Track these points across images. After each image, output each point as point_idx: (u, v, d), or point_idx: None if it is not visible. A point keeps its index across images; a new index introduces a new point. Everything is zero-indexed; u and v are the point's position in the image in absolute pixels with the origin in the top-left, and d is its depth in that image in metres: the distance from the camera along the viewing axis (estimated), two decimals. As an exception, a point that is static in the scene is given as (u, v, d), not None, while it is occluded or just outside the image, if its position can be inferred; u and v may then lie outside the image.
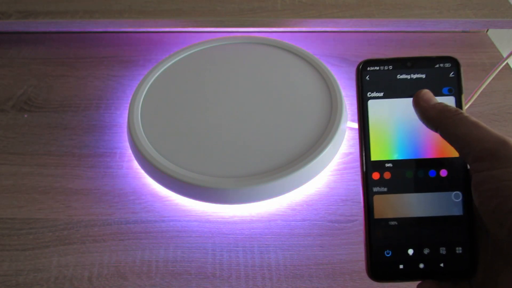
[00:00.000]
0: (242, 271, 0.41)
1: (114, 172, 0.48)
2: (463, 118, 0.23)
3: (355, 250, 0.42)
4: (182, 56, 0.56)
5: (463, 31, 0.65)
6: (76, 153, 0.50)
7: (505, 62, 0.43)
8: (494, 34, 0.65)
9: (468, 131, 0.23)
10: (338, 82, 0.51)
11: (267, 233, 0.43)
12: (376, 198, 0.25)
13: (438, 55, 0.26)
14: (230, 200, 0.44)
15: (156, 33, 0.66)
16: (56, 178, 0.48)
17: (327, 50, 0.62)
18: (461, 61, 0.26)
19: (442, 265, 0.24)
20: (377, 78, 0.26)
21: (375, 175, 0.26)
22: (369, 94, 0.26)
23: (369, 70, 0.26)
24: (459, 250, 0.24)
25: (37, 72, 0.61)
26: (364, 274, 0.40)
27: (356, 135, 0.51)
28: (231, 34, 0.63)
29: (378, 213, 0.25)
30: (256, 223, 0.44)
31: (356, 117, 0.27)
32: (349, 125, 0.51)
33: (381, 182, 0.25)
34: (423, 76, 0.26)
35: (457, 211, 0.25)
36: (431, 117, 0.24)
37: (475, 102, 0.54)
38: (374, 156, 0.26)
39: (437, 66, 0.26)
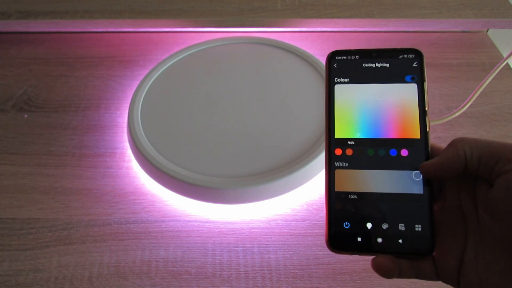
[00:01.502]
0: (242, 271, 0.41)
1: (114, 172, 0.48)
2: (467, 140, 0.24)
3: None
4: (182, 56, 0.56)
5: (463, 31, 0.65)
6: (76, 153, 0.50)
7: (505, 62, 0.43)
8: (494, 34, 0.65)
9: (483, 145, 0.23)
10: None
11: (267, 233, 0.43)
12: (338, 172, 0.27)
13: (403, 47, 0.29)
14: (230, 200, 0.44)
15: (156, 33, 0.66)
16: (56, 178, 0.48)
17: (327, 50, 0.62)
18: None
19: (400, 241, 0.25)
20: (344, 66, 0.29)
21: (338, 151, 0.27)
22: (336, 80, 0.29)
23: (337, 59, 0.29)
24: (418, 227, 0.25)
25: (37, 72, 0.61)
26: (365, 274, 0.40)
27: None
28: (231, 34, 0.63)
29: (339, 186, 0.27)
30: (256, 223, 0.44)
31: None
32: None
33: (342, 158, 0.27)
34: (387, 65, 0.28)
35: (417, 189, 0.26)
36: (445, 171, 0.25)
37: (475, 102, 0.54)
38: (338, 134, 0.28)
39: (401, 56, 0.28)
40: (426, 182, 0.26)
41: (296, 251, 0.42)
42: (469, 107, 0.50)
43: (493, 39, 0.64)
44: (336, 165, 0.27)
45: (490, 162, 0.23)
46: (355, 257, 0.41)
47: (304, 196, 0.46)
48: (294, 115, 0.49)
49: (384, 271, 0.24)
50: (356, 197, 0.26)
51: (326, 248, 0.41)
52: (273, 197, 0.45)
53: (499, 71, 0.44)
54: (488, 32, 0.65)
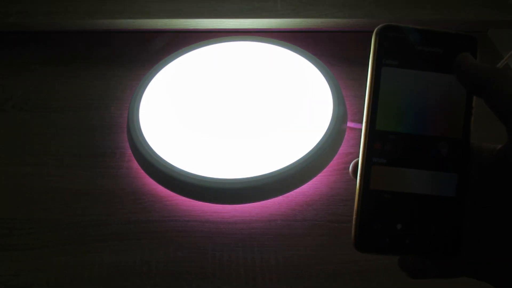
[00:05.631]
0: (242, 271, 0.41)
1: (114, 172, 0.48)
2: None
3: (355, 250, 0.42)
4: (182, 56, 0.56)
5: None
6: (76, 153, 0.50)
7: (505, 62, 0.43)
8: (494, 34, 0.65)
9: None
10: (338, 82, 0.51)
11: (267, 233, 0.43)
12: (374, 169, 0.25)
13: (460, 32, 0.26)
14: (230, 200, 0.44)
15: (156, 33, 0.66)
16: (56, 178, 0.48)
17: (327, 50, 0.62)
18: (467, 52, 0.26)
19: (428, 243, 0.24)
20: (394, 45, 0.26)
21: (377, 145, 0.25)
22: (384, 61, 0.25)
23: (388, 36, 0.26)
24: (447, 230, 0.24)
25: (37, 72, 0.60)
26: (365, 274, 0.40)
27: (355, 134, 0.51)
28: (231, 34, 0.63)
29: (374, 184, 0.25)
30: (256, 223, 0.44)
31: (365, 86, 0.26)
32: (349, 125, 0.51)
33: (381, 153, 0.25)
34: (441, 50, 0.25)
35: (451, 192, 0.25)
36: (478, 76, 0.23)
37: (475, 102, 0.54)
38: (380, 126, 0.25)
39: (457, 42, 0.26)
40: (460, 185, 0.25)
41: (296, 251, 0.42)
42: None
43: (493, 39, 0.64)
44: (373, 160, 0.25)
45: None
46: (355, 257, 0.41)
47: (304, 196, 0.46)
48: (294, 115, 0.49)
49: (411, 271, 0.24)
50: (390, 197, 0.25)
51: (326, 248, 0.42)
52: (273, 197, 0.45)
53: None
54: (488, 32, 0.65)
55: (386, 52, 0.25)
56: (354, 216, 0.25)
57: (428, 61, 0.25)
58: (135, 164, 0.49)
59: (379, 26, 0.26)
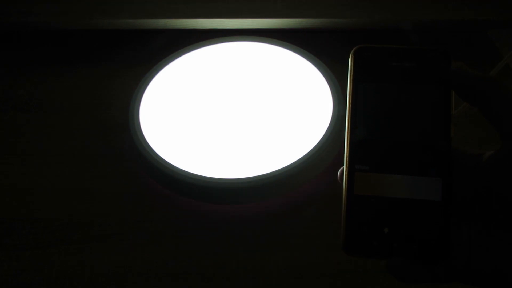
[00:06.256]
0: (242, 271, 0.41)
1: (114, 172, 0.48)
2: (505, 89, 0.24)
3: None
4: (182, 56, 0.56)
5: (463, 31, 0.65)
6: (76, 153, 0.50)
7: (505, 62, 0.43)
8: (494, 34, 0.65)
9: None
10: (338, 82, 0.51)
11: (266, 233, 0.43)
12: (358, 175, 0.26)
13: (431, 47, 0.28)
14: (230, 200, 0.44)
15: (156, 33, 0.66)
16: (56, 178, 0.48)
17: (327, 50, 0.62)
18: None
19: (415, 247, 0.25)
20: (369, 63, 0.28)
21: (358, 153, 0.27)
22: (360, 78, 0.28)
23: (362, 56, 0.28)
24: (434, 234, 0.25)
25: (37, 72, 0.60)
26: (365, 273, 0.40)
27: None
28: (231, 34, 0.63)
29: (358, 190, 0.26)
30: (256, 223, 0.44)
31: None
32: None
33: (363, 160, 0.26)
34: (415, 65, 0.27)
35: (436, 196, 0.26)
36: (471, 86, 0.25)
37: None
38: (359, 136, 0.27)
39: (429, 56, 0.27)
40: (445, 189, 0.26)
41: (296, 251, 0.42)
42: (468, 107, 0.50)
43: (493, 39, 0.64)
44: (356, 167, 0.26)
45: None
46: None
47: (304, 196, 0.46)
48: (294, 115, 0.49)
49: (399, 275, 0.24)
50: (374, 201, 0.26)
51: (326, 248, 0.42)
52: (273, 197, 0.45)
53: (499, 71, 0.44)
54: (488, 32, 0.65)
55: (362, 69, 0.28)
56: (342, 221, 0.26)
57: (404, 75, 0.27)
58: (135, 164, 0.49)
59: (354, 48, 0.28)
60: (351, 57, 0.28)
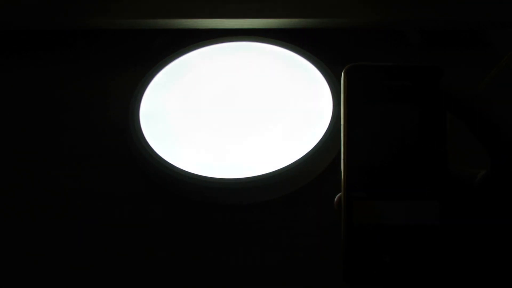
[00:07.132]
0: (242, 271, 0.41)
1: (114, 172, 0.48)
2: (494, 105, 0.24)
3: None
4: (182, 56, 0.56)
5: (463, 31, 0.65)
6: (76, 153, 0.50)
7: (505, 62, 0.43)
8: (494, 34, 0.65)
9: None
10: (338, 82, 0.51)
11: (267, 233, 0.43)
12: (356, 204, 0.26)
13: (426, 65, 0.26)
14: (230, 199, 0.44)
15: (156, 33, 0.66)
16: (57, 178, 0.48)
17: (327, 50, 0.62)
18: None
19: (417, 273, 0.25)
20: (362, 83, 0.26)
21: (356, 180, 0.26)
22: (354, 99, 0.26)
23: (355, 75, 0.27)
24: (435, 259, 0.25)
25: (37, 72, 0.60)
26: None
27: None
28: (231, 34, 0.63)
29: (357, 219, 0.25)
30: (256, 223, 0.44)
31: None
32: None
33: (361, 187, 0.26)
34: (409, 83, 0.26)
35: (434, 220, 0.25)
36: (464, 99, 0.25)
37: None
38: (356, 162, 0.26)
39: (423, 74, 0.26)
40: (443, 212, 0.25)
41: (296, 251, 0.42)
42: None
43: (493, 39, 0.64)
44: (353, 195, 0.26)
45: None
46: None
47: (304, 196, 0.46)
48: (294, 115, 0.49)
49: None
50: (373, 230, 0.25)
51: (326, 248, 0.42)
52: (273, 197, 0.45)
53: (499, 71, 0.44)
54: (488, 32, 0.65)
55: (356, 91, 0.26)
56: (341, 251, 0.25)
57: (397, 94, 0.26)
58: (135, 164, 0.49)
59: (346, 67, 0.27)
60: (344, 77, 0.27)
